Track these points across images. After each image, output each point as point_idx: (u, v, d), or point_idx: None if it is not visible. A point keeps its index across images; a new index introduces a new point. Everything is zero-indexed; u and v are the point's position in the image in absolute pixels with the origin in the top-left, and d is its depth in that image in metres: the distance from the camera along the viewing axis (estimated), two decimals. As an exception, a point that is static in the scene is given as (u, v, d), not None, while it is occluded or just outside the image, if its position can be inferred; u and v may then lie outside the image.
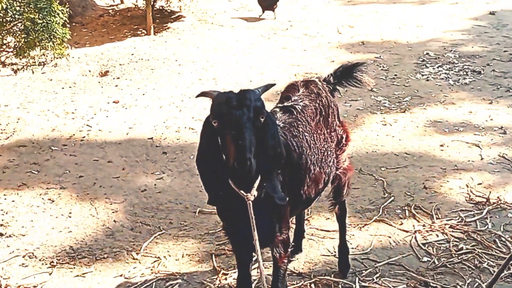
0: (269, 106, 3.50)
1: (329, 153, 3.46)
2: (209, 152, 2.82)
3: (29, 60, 6.19)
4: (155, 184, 5.14)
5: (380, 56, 8.03)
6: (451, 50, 8.10)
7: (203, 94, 2.88)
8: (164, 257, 4.17)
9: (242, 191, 2.81)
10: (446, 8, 10.14)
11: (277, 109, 3.37)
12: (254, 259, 3.30)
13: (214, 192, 2.91)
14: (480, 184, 4.98)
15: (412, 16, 9.69)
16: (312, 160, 3.27)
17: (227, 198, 2.90)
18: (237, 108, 2.65)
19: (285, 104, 3.41)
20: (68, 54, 6.17)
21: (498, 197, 4.75)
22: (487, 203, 4.68)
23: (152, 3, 9.25)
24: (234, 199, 2.85)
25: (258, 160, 2.69)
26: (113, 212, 4.73)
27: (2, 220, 4.59)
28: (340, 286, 3.84)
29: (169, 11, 10.08)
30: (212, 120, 2.74)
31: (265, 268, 3.82)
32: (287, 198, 2.98)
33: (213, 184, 2.89)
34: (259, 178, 2.83)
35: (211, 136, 2.78)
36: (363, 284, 3.84)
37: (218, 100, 2.73)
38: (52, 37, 5.82)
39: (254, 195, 2.81)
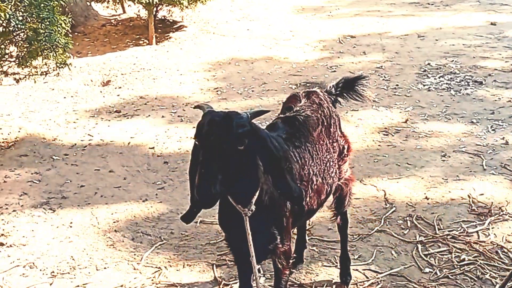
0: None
1: (331, 163, 3.45)
2: (196, 166, 2.79)
3: (31, 69, 6.19)
4: (156, 194, 5.13)
5: (381, 66, 8.03)
6: (453, 61, 8.11)
7: (198, 107, 2.89)
8: (165, 267, 4.16)
9: (239, 206, 2.81)
10: (447, 19, 10.17)
11: (279, 120, 3.37)
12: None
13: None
14: (482, 194, 4.97)
15: (414, 27, 9.72)
16: (314, 171, 3.27)
17: (227, 210, 2.90)
18: (213, 134, 2.59)
19: (287, 114, 3.41)
20: (70, 64, 6.18)
21: (500, 208, 4.74)
22: (489, 213, 4.67)
23: (154, 13, 9.28)
24: (234, 211, 2.85)
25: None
26: (114, 222, 4.72)
27: (3, 230, 4.58)
28: (341, 297, 3.83)
29: (171, 21, 10.11)
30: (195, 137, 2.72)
31: (266, 278, 3.82)
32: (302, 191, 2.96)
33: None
34: (257, 192, 2.83)
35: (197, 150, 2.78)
36: (365, 295, 3.83)
37: (203, 119, 2.70)
38: (54, 46, 5.83)
39: (252, 210, 2.82)
